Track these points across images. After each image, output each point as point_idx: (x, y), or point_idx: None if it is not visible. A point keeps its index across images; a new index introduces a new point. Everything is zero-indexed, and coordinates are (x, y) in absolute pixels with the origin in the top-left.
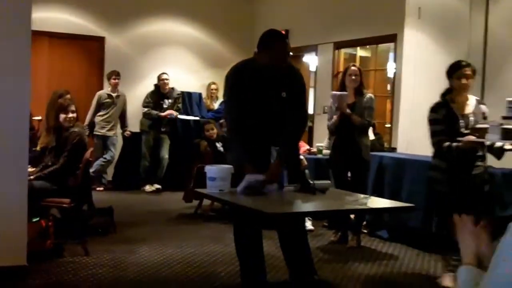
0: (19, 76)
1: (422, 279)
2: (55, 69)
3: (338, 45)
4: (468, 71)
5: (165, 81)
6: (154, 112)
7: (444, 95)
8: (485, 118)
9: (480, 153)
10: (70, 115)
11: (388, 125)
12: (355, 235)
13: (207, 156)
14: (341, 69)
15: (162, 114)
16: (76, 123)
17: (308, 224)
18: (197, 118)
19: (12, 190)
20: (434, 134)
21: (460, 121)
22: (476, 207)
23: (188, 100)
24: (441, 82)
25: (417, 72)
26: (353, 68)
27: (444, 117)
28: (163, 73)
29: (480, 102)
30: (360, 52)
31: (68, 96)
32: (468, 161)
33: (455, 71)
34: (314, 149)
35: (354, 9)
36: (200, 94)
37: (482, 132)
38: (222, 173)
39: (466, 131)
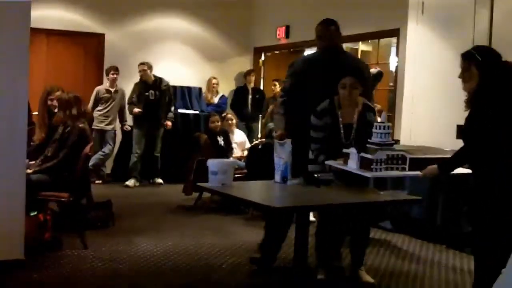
0: (18, 72)
1: (426, 270)
2: (53, 66)
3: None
4: (347, 81)
5: (145, 71)
6: (134, 109)
7: (332, 98)
8: (370, 127)
9: None
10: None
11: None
12: None
13: (207, 149)
14: None
15: (135, 110)
16: (81, 119)
17: (310, 215)
18: (196, 112)
19: (10, 184)
20: (312, 140)
21: (341, 131)
22: None
23: (188, 94)
24: (444, 76)
25: (420, 66)
26: None
27: (327, 124)
28: (142, 62)
29: (369, 108)
30: (362, 46)
31: (59, 92)
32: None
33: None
34: None
35: (356, 4)
36: (200, 89)
37: (346, 159)
38: (224, 167)
39: (347, 142)
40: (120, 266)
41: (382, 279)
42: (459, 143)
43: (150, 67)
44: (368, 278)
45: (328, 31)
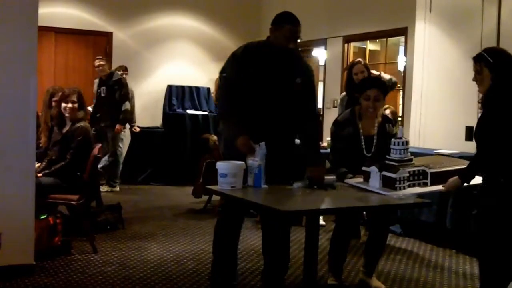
0: (26, 71)
1: (437, 275)
2: (62, 65)
3: (348, 39)
4: (372, 93)
5: (102, 65)
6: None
7: (353, 108)
8: (389, 138)
9: None
10: (70, 105)
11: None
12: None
13: (216, 150)
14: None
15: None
16: (80, 115)
17: (320, 219)
18: (205, 112)
19: (19, 187)
20: (333, 151)
21: (362, 143)
22: None
23: (196, 95)
24: (452, 75)
25: (428, 66)
26: (357, 66)
27: (349, 135)
28: (98, 57)
29: (388, 120)
30: (370, 45)
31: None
32: None
33: (361, 90)
34: (324, 144)
35: (364, 2)
36: (208, 89)
37: (366, 176)
38: (234, 169)
39: (368, 154)
40: (130, 271)
41: (392, 285)
42: (468, 145)
43: (107, 62)
44: (379, 284)
45: (296, 33)
